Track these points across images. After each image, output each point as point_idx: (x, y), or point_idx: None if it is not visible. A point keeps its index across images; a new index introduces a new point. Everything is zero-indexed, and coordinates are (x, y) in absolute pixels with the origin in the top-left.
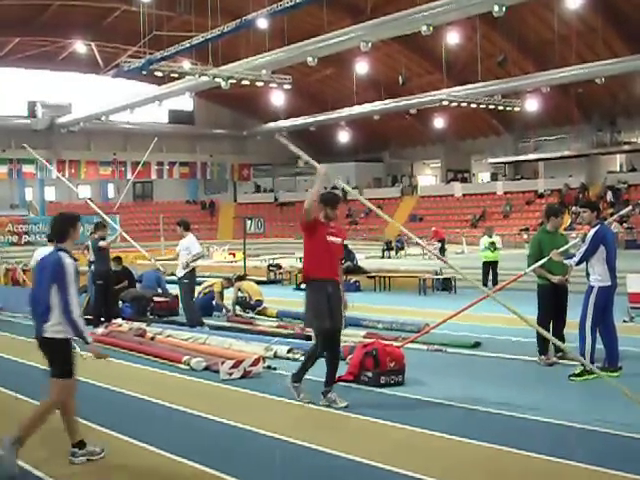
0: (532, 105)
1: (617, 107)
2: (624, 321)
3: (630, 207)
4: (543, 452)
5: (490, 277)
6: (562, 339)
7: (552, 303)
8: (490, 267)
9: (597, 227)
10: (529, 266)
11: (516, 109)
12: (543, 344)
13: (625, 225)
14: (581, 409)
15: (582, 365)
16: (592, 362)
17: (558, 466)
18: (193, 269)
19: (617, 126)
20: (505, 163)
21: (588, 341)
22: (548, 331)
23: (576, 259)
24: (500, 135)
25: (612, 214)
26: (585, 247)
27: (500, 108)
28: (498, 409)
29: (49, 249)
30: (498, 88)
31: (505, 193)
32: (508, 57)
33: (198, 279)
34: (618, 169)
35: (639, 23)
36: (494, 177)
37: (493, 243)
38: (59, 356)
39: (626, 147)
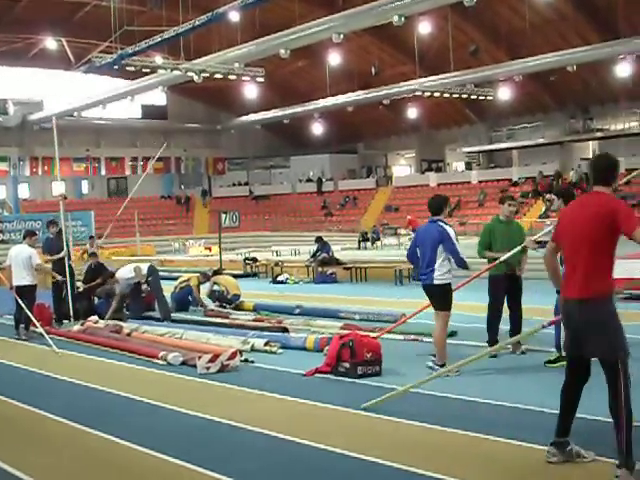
0: (505, 94)
1: (589, 94)
2: None
3: None
4: (521, 438)
5: None
6: (519, 328)
7: (503, 292)
8: None
9: None
10: (479, 253)
11: (489, 98)
12: (492, 334)
13: None
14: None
15: (558, 350)
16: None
17: (524, 450)
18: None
19: (590, 113)
20: (479, 152)
21: (562, 328)
22: (499, 320)
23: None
24: (473, 124)
25: None
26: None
27: (473, 97)
28: (475, 397)
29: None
30: (471, 77)
31: (480, 182)
32: (480, 46)
33: (174, 274)
34: (591, 156)
35: (610, 10)
36: (468, 166)
37: None
38: None
39: (599, 134)
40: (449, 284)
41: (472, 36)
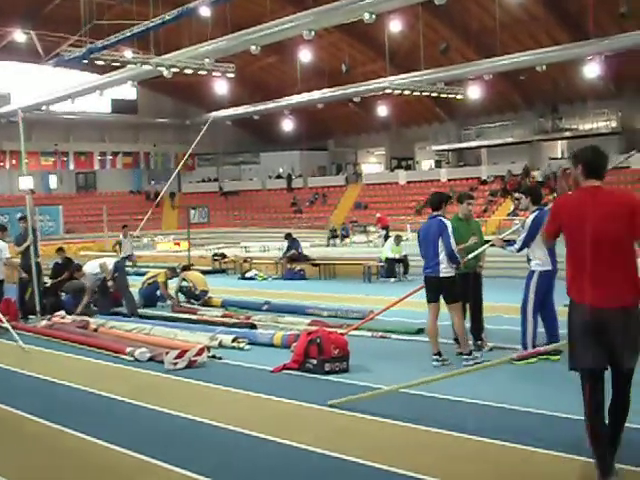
0: (475, 92)
1: (558, 94)
2: (565, 305)
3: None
4: (485, 434)
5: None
6: (481, 326)
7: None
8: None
9: (535, 213)
10: None
11: (459, 97)
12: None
13: None
14: (520, 392)
15: (524, 348)
16: (534, 346)
17: (495, 446)
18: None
19: (558, 113)
20: (448, 150)
21: (530, 325)
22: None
23: (517, 246)
24: (443, 122)
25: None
26: (524, 234)
27: (443, 96)
28: (442, 394)
29: None
30: (441, 76)
31: (449, 180)
32: (451, 45)
33: (142, 269)
34: (560, 155)
35: (579, 10)
36: (438, 164)
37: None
38: None
39: (567, 133)
40: (455, 276)
41: (443, 34)
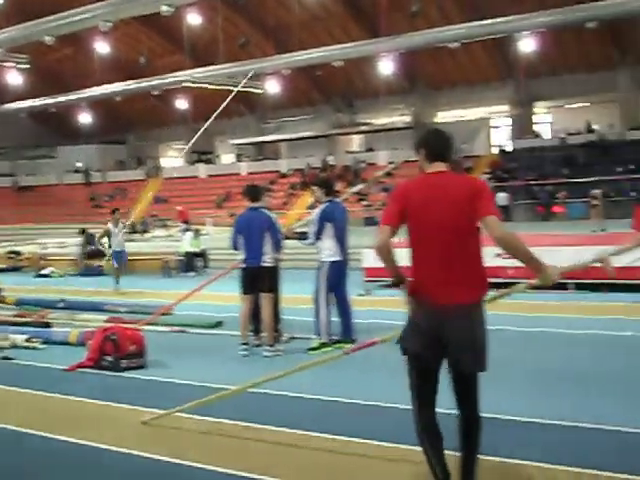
0: (274, 87)
1: (354, 89)
2: (360, 295)
3: (362, 185)
4: (290, 425)
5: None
6: (278, 318)
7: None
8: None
9: (325, 205)
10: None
11: (258, 91)
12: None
13: (364, 203)
14: (319, 381)
15: (319, 337)
16: (329, 335)
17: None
18: None
19: (355, 108)
20: (248, 144)
21: (323, 315)
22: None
23: (309, 240)
24: (243, 116)
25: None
26: (314, 227)
27: (243, 90)
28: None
29: None
30: (240, 70)
31: (250, 174)
32: (250, 39)
33: None
34: (357, 149)
35: (374, 8)
36: (239, 158)
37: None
38: None
39: (363, 128)
40: (276, 267)
41: (242, 29)
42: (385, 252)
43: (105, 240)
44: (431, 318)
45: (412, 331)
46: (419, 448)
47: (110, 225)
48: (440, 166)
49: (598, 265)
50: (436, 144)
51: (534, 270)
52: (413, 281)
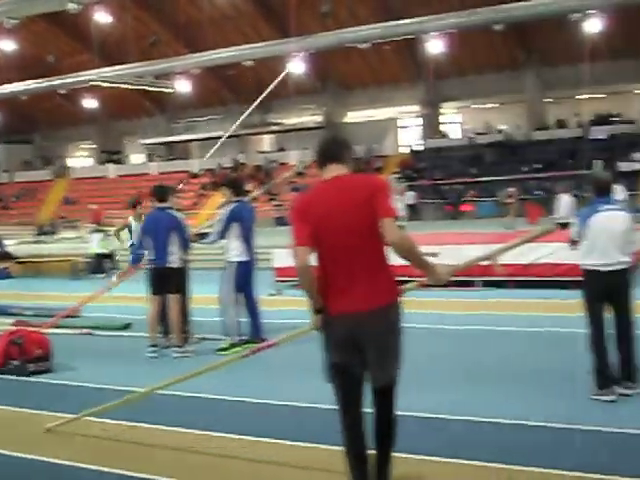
0: (184, 86)
1: (265, 89)
2: (271, 294)
3: (269, 184)
4: (198, 426)
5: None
6: (187, 319)
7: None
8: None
9: (232, 206)
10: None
11: (168, 90)
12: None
13: (274, 202)
14: (229, 382)
15: (229, 338)
16: (239, 335)
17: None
18: None
19: (266, 108)
20: (158, 144)
21: (231, 315)
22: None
23: (211, 238)
24: (153, 116)
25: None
26: (218, 226)
27: (152, 89)
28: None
29: None
30: (150, 69)
31: (160, 174)
32: (160, 38)
33: None
34: (268, 149)
35: (284, 8)
36: (150, 158)
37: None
38: None
39: (275, 128)
40: (184, 268)
41: (152, 27)
42: (306, 274)
43: (126, 235)
44: (346, 327)
45: (329, 343)
46: (330, 447)
47: (131, 219)
48: (335, 169)
49: (485, 263)
50: (324, 148)
51: (425, 272)
52: (323, 291)
